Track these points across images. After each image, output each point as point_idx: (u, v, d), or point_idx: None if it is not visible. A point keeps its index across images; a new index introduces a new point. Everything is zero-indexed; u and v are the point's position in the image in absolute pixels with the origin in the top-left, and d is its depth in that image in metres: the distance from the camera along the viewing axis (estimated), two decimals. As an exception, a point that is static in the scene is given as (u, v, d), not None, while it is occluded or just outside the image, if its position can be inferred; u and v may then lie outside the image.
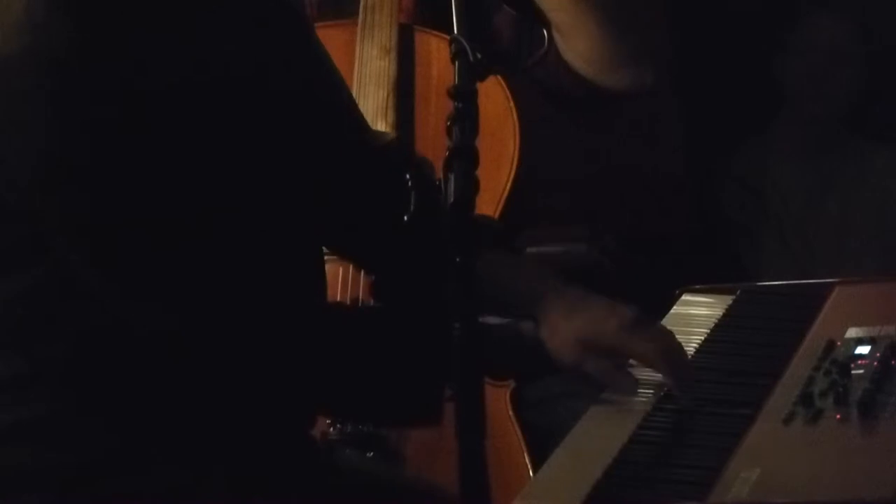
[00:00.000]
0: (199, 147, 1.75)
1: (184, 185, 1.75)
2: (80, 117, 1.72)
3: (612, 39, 2.65)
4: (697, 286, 2.25)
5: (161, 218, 1.74)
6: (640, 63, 2.69)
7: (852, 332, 1.95)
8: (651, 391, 1.90)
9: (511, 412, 2.63)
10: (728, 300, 2.19)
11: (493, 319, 1.94)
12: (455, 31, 1.69)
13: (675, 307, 2.20)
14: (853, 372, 1.82)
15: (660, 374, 1.91)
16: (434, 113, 2.72)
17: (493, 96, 2.68)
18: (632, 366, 1.95)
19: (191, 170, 1.75)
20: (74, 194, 1.73)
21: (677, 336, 2.00)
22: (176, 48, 1.75)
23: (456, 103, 1.63)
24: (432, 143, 2.70)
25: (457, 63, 1.65)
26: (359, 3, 2.81)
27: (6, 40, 1.72)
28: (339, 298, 2.49)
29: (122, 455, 1.80)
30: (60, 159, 1.73)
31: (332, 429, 2.65)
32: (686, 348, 1.99)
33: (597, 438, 1.81)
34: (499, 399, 2.62)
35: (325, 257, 2.03)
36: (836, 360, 1.87)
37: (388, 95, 2.76)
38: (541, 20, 1.82)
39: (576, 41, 2.64)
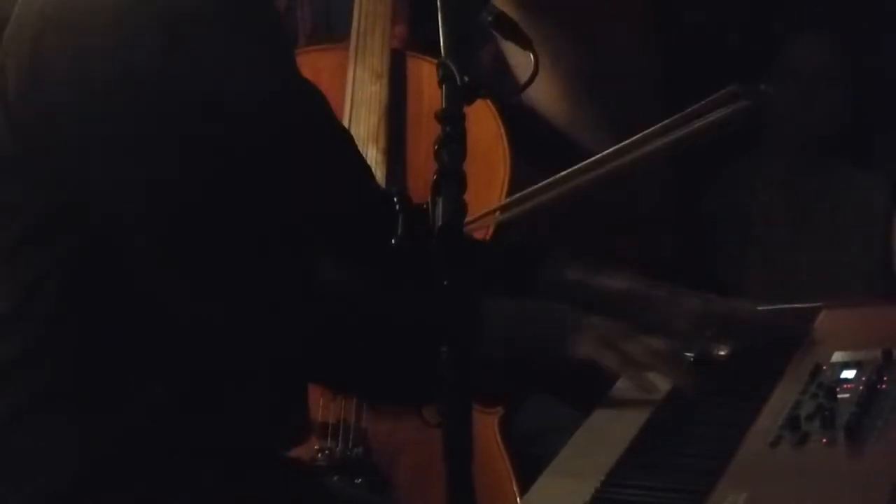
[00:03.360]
0: (257, 158, 1.80)
1: (247, 193, 1.80)
2: (170, 130, 1.75)
3: (572, 109, 2.68)
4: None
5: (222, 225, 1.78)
6: (600, 134, 2.72)
7: (838, 357, 1.95)
8: (638, 414, 1.91)
9: (499, 439, 2.63)
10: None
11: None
12: (443, 55, 1.70)
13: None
14: (839, 396, 1.82)
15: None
16: (425, 137, 2.73)
17: (485, 122, 2.69)
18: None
19: (255, 180, 1.80)
20: (173, 207, 1.77)
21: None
22: (242, 65, 1.80)
23: (443, 127, 1.64)
24: (423, 167, 2.71)
25: (444, 87, 1.66)
26: (351, 27, 2.82)
27: (98, 60, 1.74)
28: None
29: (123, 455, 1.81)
30: (154, 173, 1.76)
31: (320, 454, 2.65)
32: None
33: (584, 462, 1.81)
34: (487, 426, 2.62)
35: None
36: (823, 384, 1.87)
37: (379, 120, 2.77)
38: (527, 46, 1.83)
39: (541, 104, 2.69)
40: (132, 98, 1.75)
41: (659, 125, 2.24)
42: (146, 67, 1.73)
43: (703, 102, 2.22)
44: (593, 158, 2.29)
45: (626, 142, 2.27)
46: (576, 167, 2.30)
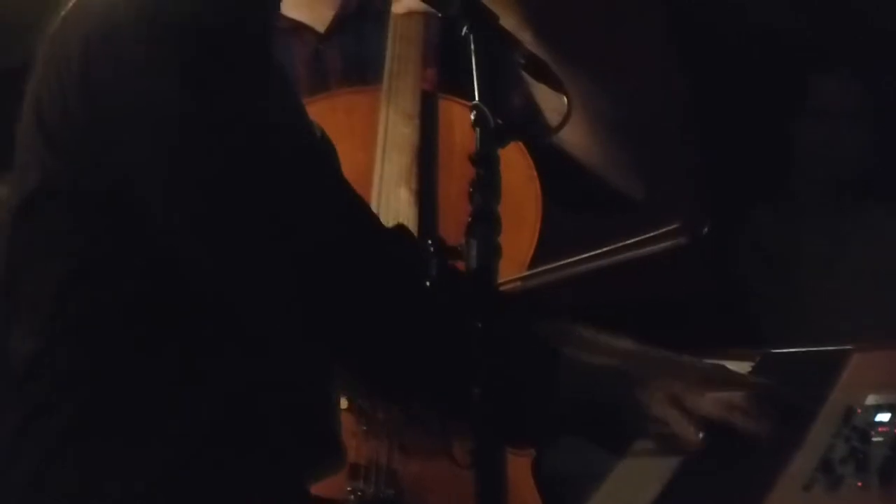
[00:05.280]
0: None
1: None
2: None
3: (601, 149, 2.70)
4: (715, 351, 2.24)
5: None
6: (630, 176, 2.74)
7: (872, 399, 1.94)
8: (670, 457, 1.90)
9: (532, 482, 2.62)
10: (747, 367, 2.18)
11: None
12: (476, 98, 1.70)
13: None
14: (874, 439, 1.81)
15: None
16: (457, 179, 2.73)
17: (516, 164, 2.69)
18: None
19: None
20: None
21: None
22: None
23: (477, 170, 1.65)
24: (455, 209, 2.71)
25: (477, 130, 1.67)
26: (383, 69, 2.84)
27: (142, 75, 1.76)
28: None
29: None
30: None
31: (352, 496, 2.65)
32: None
33: (617, 505, 1.81)
34: (520, 468, 2.61)
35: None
36: (857, 427, 1.86)
37: (411, 161, 2.78)
38: (560, 88, 1.84)
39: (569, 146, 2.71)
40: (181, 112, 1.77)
41: (608, 248, 2.50)
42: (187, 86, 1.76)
43: (647, 235, 2.46)
44: (546, 267, 2.57)
45: (575, 258, 2.53)
46: (532, 271, 2.59)
